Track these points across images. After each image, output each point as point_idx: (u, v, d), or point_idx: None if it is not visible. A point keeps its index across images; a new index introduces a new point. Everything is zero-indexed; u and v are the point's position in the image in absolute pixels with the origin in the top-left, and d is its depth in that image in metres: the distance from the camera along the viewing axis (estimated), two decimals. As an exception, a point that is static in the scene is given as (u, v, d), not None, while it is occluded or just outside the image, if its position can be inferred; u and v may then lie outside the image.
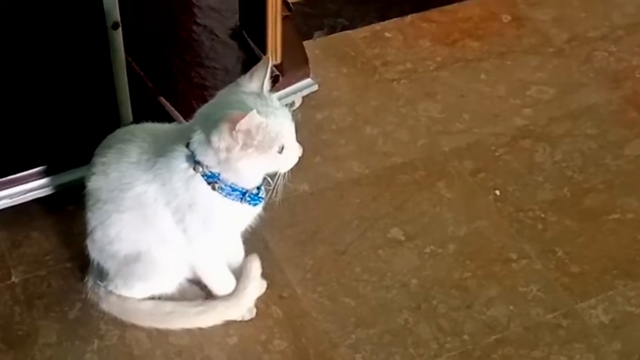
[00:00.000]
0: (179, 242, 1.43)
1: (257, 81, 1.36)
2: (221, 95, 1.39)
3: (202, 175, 1.36)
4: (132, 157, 1.41)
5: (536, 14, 2.20)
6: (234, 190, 1.37)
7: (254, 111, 1.28)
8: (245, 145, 1.31)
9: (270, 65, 1.37)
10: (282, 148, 1.34)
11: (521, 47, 2.11)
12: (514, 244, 1.69)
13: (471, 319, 1.57)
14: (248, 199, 1.39)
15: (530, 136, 1.90)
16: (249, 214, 1.44)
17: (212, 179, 1.36)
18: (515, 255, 1.67)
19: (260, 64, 1.38)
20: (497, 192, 1.78)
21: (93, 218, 1.47)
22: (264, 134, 1.31)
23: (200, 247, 1.44)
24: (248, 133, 1.30)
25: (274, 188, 1.39)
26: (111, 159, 1.42)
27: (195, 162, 1.35)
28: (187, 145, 1.35)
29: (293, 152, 1.37)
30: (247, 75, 1.37)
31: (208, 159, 1.34)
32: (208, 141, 1.32)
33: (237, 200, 1.38)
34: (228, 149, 1.31)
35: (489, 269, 1.64)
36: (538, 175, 1.82)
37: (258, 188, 1.41)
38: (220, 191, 1.37)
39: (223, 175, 1.36)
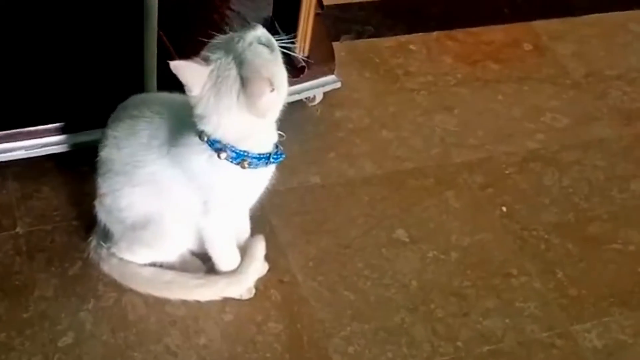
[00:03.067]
0: (194, 211, 1.33)
1: None
2: None
3: (229, 159, 1.25)
4: (142, 138, 1.31)
5: (557, 46, 2.11)
6: (260, 159, 1.28)
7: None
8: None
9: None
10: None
11: (539, 76, 2.02)
12: (515, 260, 1.59)
13: (466, 327, 1.47)
14: (273, 159, 1.30)
15: (541, 160, 1.81)
16: (264, 178, 1.34)
17: (241, 158, 1.26)
18: (516, 271, 1.57)
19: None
20: (504, 209, 1.69)
21: (104, 185, 1.37)
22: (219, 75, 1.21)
23: (215, 218, 1.34)
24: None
25: None
26: (122, 134, 1.33)
27: (218, 150, 1.24)
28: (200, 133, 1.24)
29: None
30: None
31: (229, 136, 1.24)
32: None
33: (264, 165, 1.29)
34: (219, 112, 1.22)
35: (488, 281, 1.55)
36: (545, 198, 1.73)
37: (276, 147, 1.31)
38: (250, 167, 1.27)
39: (247, 145, 1.25)
